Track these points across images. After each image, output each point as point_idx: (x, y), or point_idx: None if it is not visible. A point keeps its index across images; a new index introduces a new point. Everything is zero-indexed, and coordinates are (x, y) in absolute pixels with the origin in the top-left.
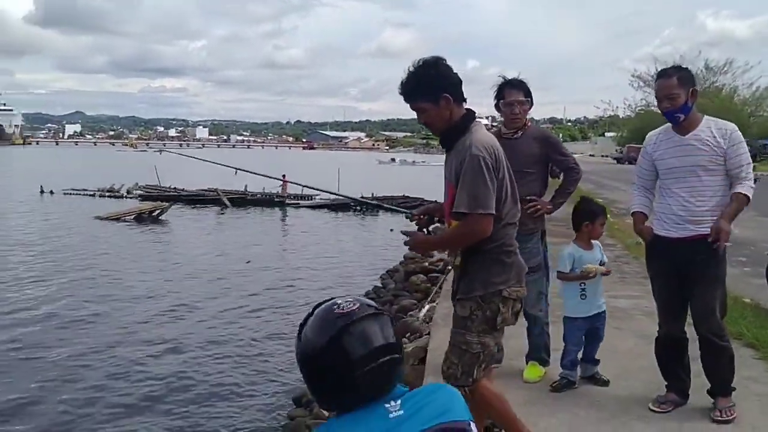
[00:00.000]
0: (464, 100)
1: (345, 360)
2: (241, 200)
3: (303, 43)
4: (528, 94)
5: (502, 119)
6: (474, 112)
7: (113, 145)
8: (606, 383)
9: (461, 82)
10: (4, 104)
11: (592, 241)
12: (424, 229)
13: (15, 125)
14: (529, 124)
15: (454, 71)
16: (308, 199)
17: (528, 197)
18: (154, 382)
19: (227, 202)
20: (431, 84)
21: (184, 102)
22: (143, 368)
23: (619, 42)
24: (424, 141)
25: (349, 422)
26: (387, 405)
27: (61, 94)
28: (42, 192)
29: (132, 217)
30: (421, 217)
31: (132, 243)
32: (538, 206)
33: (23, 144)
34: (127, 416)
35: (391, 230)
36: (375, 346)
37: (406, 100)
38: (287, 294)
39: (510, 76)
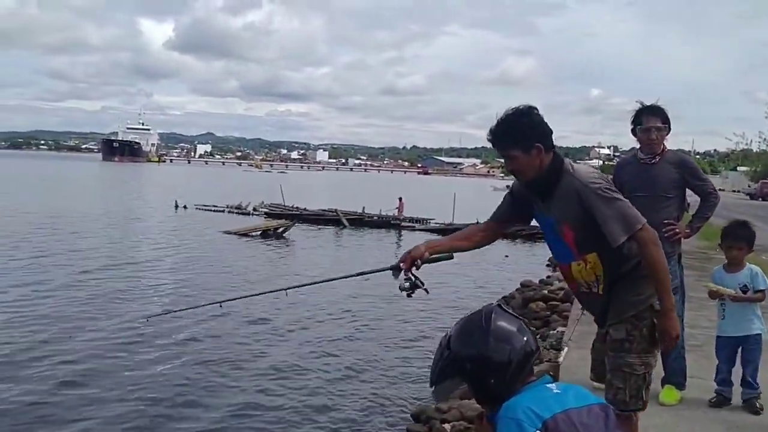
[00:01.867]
0: (554, 148)
1: (505, 358)
2: (359, 221)
3: (424, 70)
4: (666, 120)
5: (638, 145)
6: (561, 157)
7: (240, 165)
8: (756, 412)
9: (552, 132)
10: (143, 123)
11: (750, 266)
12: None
13: (152, 144)
14: (666, 150)
15: (546, 121)
16: (423, 223)
17: (665, 221)
18: (269, 392)
19: (345, 223)
20: (524, 133)
21: (307, 126)
22: (262, 379)
23: (755, 72)
24: None
25: (526, 396)
26: (548, 385)
27: (194, 115)
28: (176, 207)
29: (258, 233)
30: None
31: (258, 257)
32: (676, 230)
33: (158, 162)
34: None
35: (506, 257)
36: (527, 344)
37: (496, 146)
38: (401, 315)
39: (645, 102)
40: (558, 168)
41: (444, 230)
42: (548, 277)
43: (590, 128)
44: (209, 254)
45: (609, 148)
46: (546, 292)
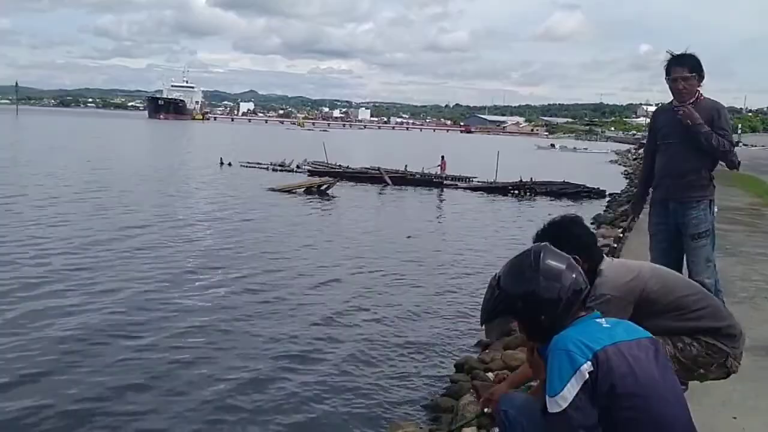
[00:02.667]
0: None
1: (555, 296)
2: (401, 179)
3: (468, 25)
4: (694, 69)
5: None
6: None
7: (282, 123)
8: None
9: (595, 242)
10: (187, 81)
11: None
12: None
13: (196, 102)
14: (702, 97)
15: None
16: (466, 181)
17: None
18: (316, 343)
19: (388, 180)
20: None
21: (349, 83)
22: (305, 331)
23: None
24: (587, 128)
25: (576, 329)
26: (597, 320)
27: (237, 73)
28: (222, 164)
29: (302, 190)
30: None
31: (302, 214)
32: (684, 110)
33: (202, 119)
34: (313, 371)
35: (549, 215)
36: (576, 282)
37: None
38: (444, 269)
39: (676, 52)
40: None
41: (487, 188)
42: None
43: (638, 85)
44: (256, 210)
45: (657, 105)
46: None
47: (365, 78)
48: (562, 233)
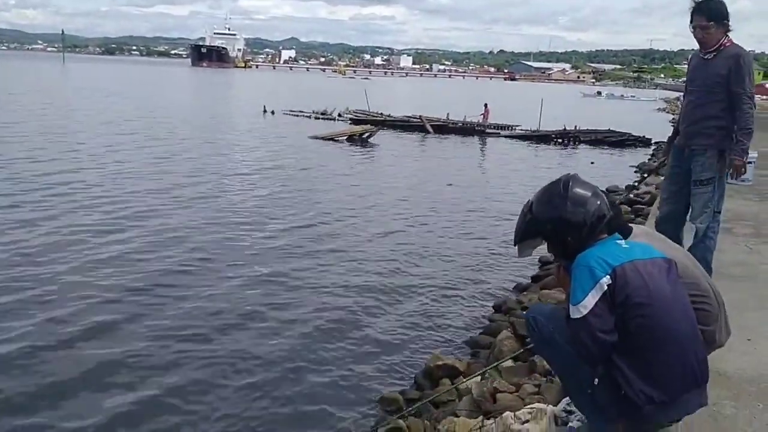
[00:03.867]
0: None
1: (581, 219)
2: (443, 127)
3: None
4: (713, 17)
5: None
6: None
7: (324, 71)
8: None
9: (619, 212)
10: (229, 29)
11: None
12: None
13: (238, 49)
14: (727, 43)
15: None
16: (509, 129)
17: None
18: (365, 287)
19: (430, 129)
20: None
21: (391, 30)
22: (361, 277)
23: None
24: (636, 75)
25: (598, 248)
26: (617, 241)
27: (279, 20)
28: (264, 112)
29: (344, 138)
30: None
31: (344, 162)
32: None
33: (244, 67)
34: (356, 324)
35: (592, 163)
36: (600, 209)
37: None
38: (483, 215)
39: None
40: None
41: (530, 137)
42: (635, 182)
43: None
44: (298, 159)
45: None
46: (632, 195)
47: (408, 24)
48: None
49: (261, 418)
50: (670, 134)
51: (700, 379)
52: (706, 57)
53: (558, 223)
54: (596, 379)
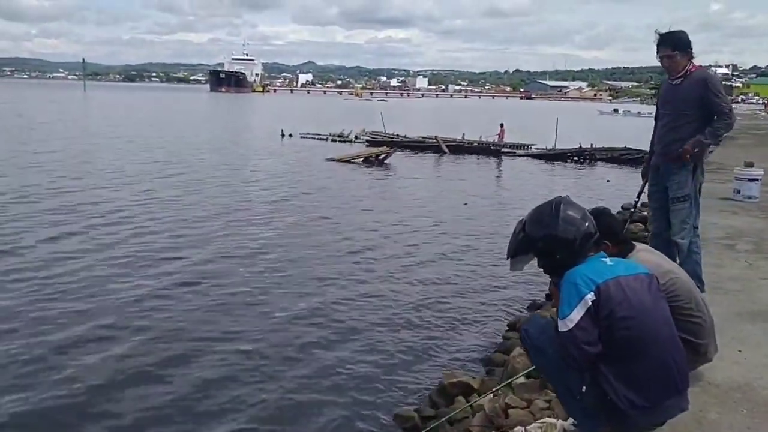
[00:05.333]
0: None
1: (571, 237)
2: (459, 148)
3: None
4: (677, 47)
5: None
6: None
7: (340, 94)
8: None
9: (621, 230)
10: (247, 54)
11: None
12: None
13: (256, 74)
14: (692, 69)
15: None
16: (524, 149)
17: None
18: (377, 305)
19: (445, 149)
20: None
21: (407, 52)
22: (375, 289)
23: None
24: (653, 91)
25: (584, 266)
26: (602, 259)
27: (296, 45)
28: (282, 135)
29: (360, 160)
30: None
31: (361, 183)
32: (686, 154)
33: (262, 92)
34: (378, 329)
35: (608, 181)
36: (587, 229)
37: None
38: (499, 235)
39: (661, 31)
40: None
41: (546, 155)
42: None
43: (708, 46)
44: (315, 181)
45: (727, 66)
46: (647, 213)
47: (423, 46)
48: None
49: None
50: (646, 155)
51: (681, 386)
52: (674, 83)
53: (548, 241)
54: (584, 387)
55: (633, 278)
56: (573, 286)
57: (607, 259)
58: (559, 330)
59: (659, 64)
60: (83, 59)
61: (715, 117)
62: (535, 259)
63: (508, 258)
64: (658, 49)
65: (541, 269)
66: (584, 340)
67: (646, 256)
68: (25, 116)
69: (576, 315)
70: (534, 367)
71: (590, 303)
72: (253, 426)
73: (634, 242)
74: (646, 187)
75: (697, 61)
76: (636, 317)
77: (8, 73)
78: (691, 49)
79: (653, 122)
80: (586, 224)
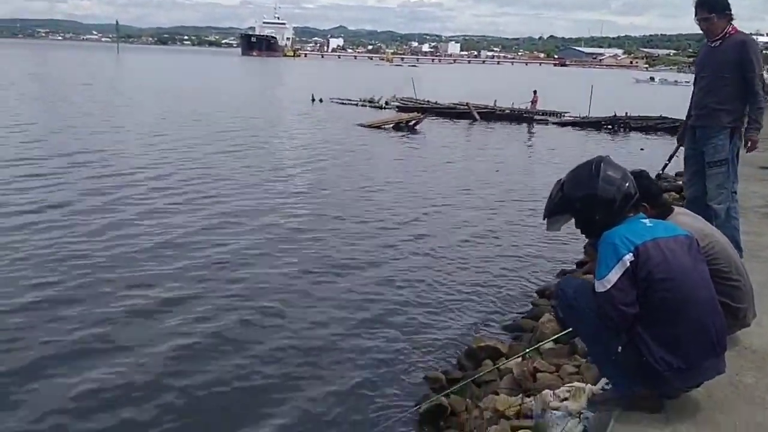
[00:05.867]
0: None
1: (610, 197)
2: (490, 115)
3: None
4: (713, 9)
5: None
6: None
7: (371, 59)
8: None
9: (660, 192)
10: (278, 18)
11: None
12: None
13: (287, 38)
14: (732, 31)
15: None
16: (557, 116)
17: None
18: (410, 268)
19: (477, 116)
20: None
21: (439, 17)
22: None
23: None
24: (690, 60)
25: (623, 227)
26: (642, 220)
27: (327, 8)
28: (313, 100)
29: (391, 125)
30: None
31: (391, 149)
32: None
33: (293, 56)
34: (412, 291)
35: (642, 150)
36: (628, 189)
37: None
38: (530, 202)
39: None
40: None
41: (579, 123)
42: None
43: (750, 13)
44: (345, 146)
45: None
46: (681, 182)
47: (456, 11)
48: None
49: (309, 389)
50: (684, 119)
51: (719, 348)
52: (713, 45)
53: (587, 201)
54: (620, 347)
55: (673, 240)
56: (611, 247)
57: (647, 220)
58: (596, 291)
59: (698, 30)
60: (116, 21)
61: (747, 106)
62: (572, 220)
63: (544, 218)
64: (696, 11)
65: (578, 230)
66: (622, 301)
67: (684, 219)
68: (88, 77)
69: (614, 276)
70: (564, 332)
71: (628, 264)
72: (290, 371)
73: (672, 206)
74: (682, 152)
75: (739, 27)
76: (675, 279)
77: (43, 34)
78: (730, 11)
79: (692, 90)
80: (627, 184)
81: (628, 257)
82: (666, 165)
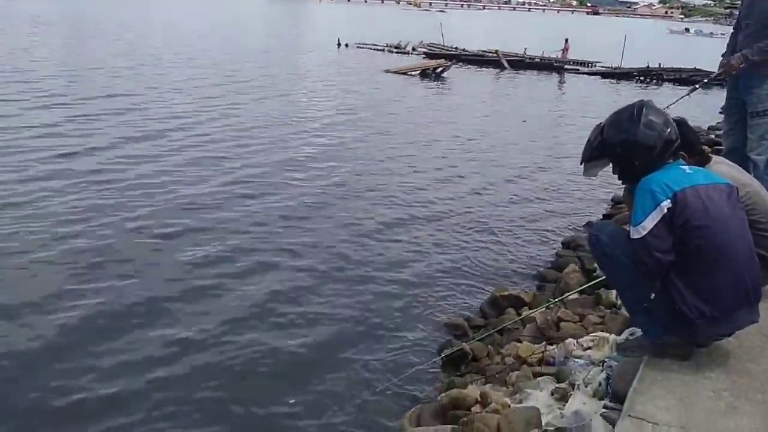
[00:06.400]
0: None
1: (651, 143)
2: (520, 63)
3: None
4: None
5: None
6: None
7: (398, 3)
8: None
9: (698, 141)
10: None
11: None
12: None
13: None
14: None
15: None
16: (588, 66)
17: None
18: (435, 215)
19: (506, 64)
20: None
21: None
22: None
23: None
24: (728, 11)
25: (662, 173)
26: (681, 167)
27: None
28: (339, 45)
29: (417, 72)
30: None
31: (417, 97)
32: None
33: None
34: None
35: (674, 102)
36: (669, 135)
37: None
38: (556, 153)
39: None
40: None
41: (611, 74)
42: (718, 123)
43: None
44: (371, 93)
45: None
46: (713, 136)
47: None
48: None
49: (335, 333)
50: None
51: (753, 298)
52: None
53: (627, 147)
54: (653, 294)
55: (712, 187)
56: (649, 193)
57: (686, 167)
58: (632, 237)
59: None
60: None
61: None
62: (610, 165)
63: (581, 163)
64: None
65: (615, 175)
66: (657, 248)
67: (722, 168)
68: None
69: (650, 222)
70: (588, 284)
71: (666, 210)
72: (325, 318)
73: (710, 155)
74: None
75: None
76: (712, 227)
77: None
78: None
79: (729, 38)
80: (668, 130)
81: (666, 203)
82: (672, 104)
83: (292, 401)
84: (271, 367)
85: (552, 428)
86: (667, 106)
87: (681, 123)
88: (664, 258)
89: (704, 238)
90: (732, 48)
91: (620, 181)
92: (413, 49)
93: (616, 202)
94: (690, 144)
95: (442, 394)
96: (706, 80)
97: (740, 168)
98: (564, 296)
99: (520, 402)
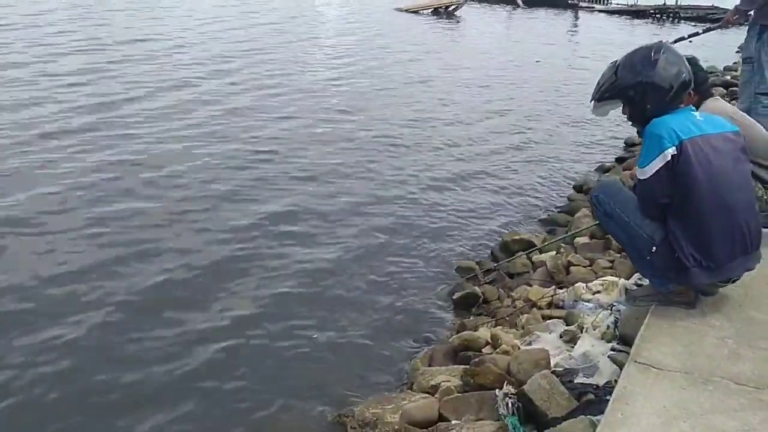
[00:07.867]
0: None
1: (666, 86)
2: (533, 0)
3: None
4: None
5: None
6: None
7: None
8: None
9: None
10: None
11: None
12: None
13: None
14: None
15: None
16: (604, 3)
17: None
18: (444, 162)
19: (520, 2)
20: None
21: None
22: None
23: None
24: None
25: (672, 118)
26: (692, 113)
27: None
28: None
29: (429, 10)
30: None
31: (430, 35)
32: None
33: None
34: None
35: (690, 42)
36: (685, 79)
37: None
38: (570, 94)
39: None
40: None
41: (626, 11)
42: (735, 63)
43: None
44: (382, 32)
45: None
46: (729, 77)
47: None
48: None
49: (347, 277)
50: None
51: (750, 247)
52: None
53: (641, 89)
54: (654, 247)
55: (721, 137)
56: (657, 138)
57: (697, 113)
58: (637, 177)
59: None
60: None
61: None
62: (621, 106)
63: (591, 101)
64: None
65: (624, 115)
66: (657, 191)
67: (716, 104)
68: None
69: (654, 166)
70: (597, 224)
71: (670, 157)
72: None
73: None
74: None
75: None
76: (713, 178)
77: None
78: None
79: None
80: (684, 74)
81: (671, 150)
82: (676, 41)
83: (305, 344)
84: (279, 307)
85: (561, 369)
86: (674, 41)
87: (692, 62)
88: (663, 201)
89: (704, 190)
90: None
91: (629, 122)
92: None
93: (628, 144)
94: (698, 82)
95: (454, 336)
96: (701, 31)
97: (744, 115)
98: (573, 234)
99: (530, 344)
